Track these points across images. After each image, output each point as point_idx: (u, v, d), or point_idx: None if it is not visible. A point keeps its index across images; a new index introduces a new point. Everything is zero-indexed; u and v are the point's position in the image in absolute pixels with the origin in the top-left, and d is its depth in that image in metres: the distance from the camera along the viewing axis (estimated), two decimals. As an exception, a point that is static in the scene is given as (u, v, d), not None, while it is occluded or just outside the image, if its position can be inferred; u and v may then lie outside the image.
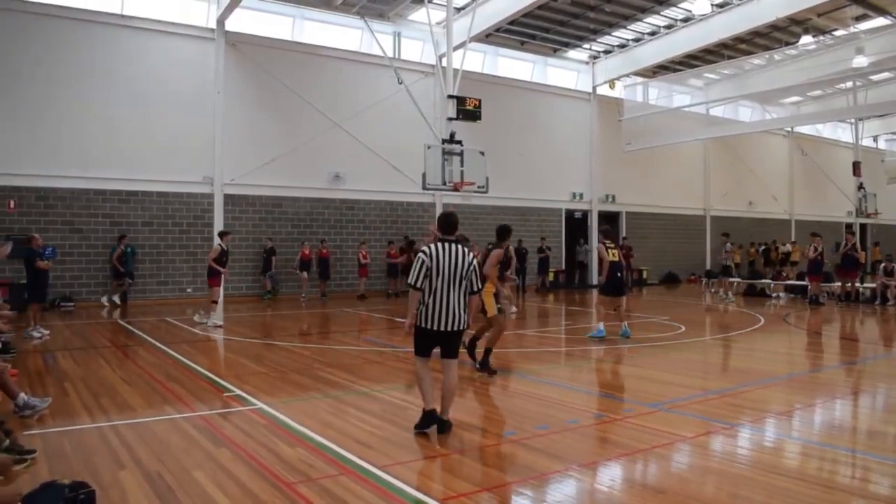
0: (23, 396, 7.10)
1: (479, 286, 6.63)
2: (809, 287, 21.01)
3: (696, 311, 19.42)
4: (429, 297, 6.44)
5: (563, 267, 28.88)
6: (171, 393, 8.41)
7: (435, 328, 6.43)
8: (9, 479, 5.14)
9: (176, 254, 20.90)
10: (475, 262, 6.55)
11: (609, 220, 31.34)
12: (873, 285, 21.92)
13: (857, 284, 21.71)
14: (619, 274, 13.23)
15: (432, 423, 6.48)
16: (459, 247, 6.52)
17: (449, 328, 6.44)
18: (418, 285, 6.45)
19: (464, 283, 6.49)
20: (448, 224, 6.70)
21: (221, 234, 15.84)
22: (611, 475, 5.54)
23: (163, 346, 12.12)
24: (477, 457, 5.85)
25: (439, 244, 6.52)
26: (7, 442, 5.62)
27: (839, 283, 21.39)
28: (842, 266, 20.94)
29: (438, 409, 6.57)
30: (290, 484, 5.18)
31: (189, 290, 21.04)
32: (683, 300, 22.51)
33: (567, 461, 5.73)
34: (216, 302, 15.59)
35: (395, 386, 8.56)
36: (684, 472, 5.59)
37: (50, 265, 14.13)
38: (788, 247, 31.37)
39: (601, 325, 12.97)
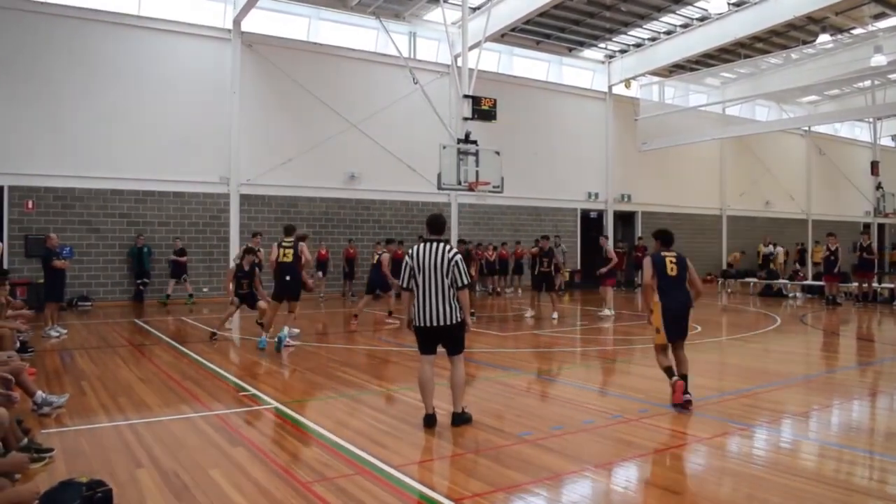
0: (40, 394, 7.17)
1: (465, 281, 6.75)
2: (826, 287, 20.84)
3: (713, 312, 19.30)
4: (417, 295, 6.79)
5: (579, 267, 28.80)
6: (187, 392, 8.45)
7: (424, 324, 6.75)
8: (27, 477, 5.18)
9: (192, 253, 21.00)
10: (457, 258, 6.71)
11: (625, 220, 31.31)
12: (891, 285, 21.72)
13: (875, 285, 21.52)
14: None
15: (433, 425, 6.71)
16: (441, 245, 6.77)
17: (436, 323, 6.70)
18: (406, 286, 6.89)
19: (447, 279, 6.68)
20: (434, 225, 7.05)
21: (388, 241, 16.17)
22: (626, 476, 5.53)
23: (179, 346, 12.20)
24: (492, 457, 5.84)
25: (423, 244, 6.85)
26: (25, 440, 5.67)
27: (856, 284, 21.22)
28: (859, 266, 20.78)
29: (442, 410, 6.83)
30: (305, 483, 5.19)
31: (205, 289, 21.16)
32: (699, 300, 22.38)
33: (582, 462, 5.72)
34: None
35: (411, 385, 8.54)
36: (700, 473, 5.57)
37: (67, 265, 14.24)
38: (772, 248, 31.10)
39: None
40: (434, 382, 6.89)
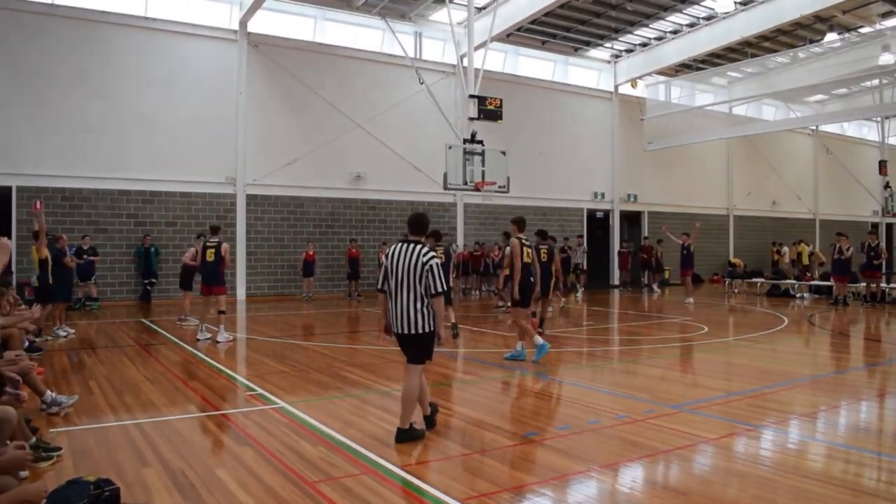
0: (50, 394, 7.20)
1: (440, 288, 6.17)
2: (834, 288, 20.77)
3: (719, 312, 19.27)
4: (389, 299, 6.38)
5: (585, 267, 28.72)
6: (194, 391, 8.48)
7: (395, 331, 6.36)
8: (35, 475, 5.21)
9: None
10: (432, 262, 6.18)
11: (631, 220, 31.24)
12: (900, 285, 21.64)
13: (883, 285, 21.44)
14: (531, 279, 10.89)
15: (433, 423, 6.56)
16: (417, 247, 6.26)
17: (404, 331, 6.26)
18: (381, 288, 6.48)
19: (419, 285, 6.18)
20: (415, 225, 6.49)
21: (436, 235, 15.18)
22: (632, 476, 5.51)
23: (186, 345, 12.23)
24: (498, 457, 5.84)
25: (400, 245, 6.38)
26: (33, 439, 5.69)
27: (864, 284, 21.13)
28: (867, 266, 20.69)
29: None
30: (311, 483, 5.20)
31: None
32: (706, 300, 22.34)
33: (588, 462, 5.71)
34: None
35: (416, 385, 8.55)
36: (707, 474, 5.55)
37: (74, 262, 14.27)
38: (786, 249, 31.22)
39: (520, 346, 10.75)
40: (426, 388, 6.64)
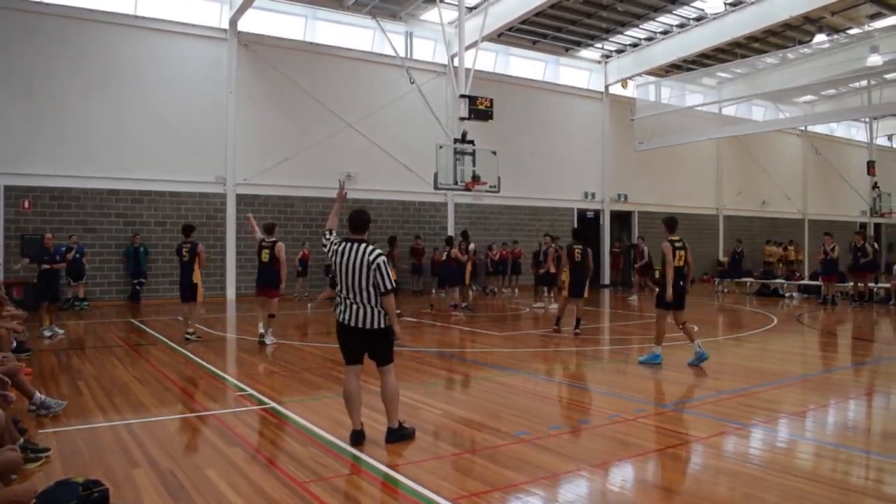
0: (39, 396, 7.14)
1: (389, 285, 6.13)
2: (823, 287, 20.86)
3: (709, 311, 19.33)
4: (338, 296, 6.32)
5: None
6: (183, 392, 8.45)
7: (345, 322, 6.21)
8: (24, 476, 5.17)
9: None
10: (379, 260, 6.11)
11: (621, 220, 31.26)
12: (888, 285, 21.75)
13: (871, 284, 21.55)
14: (681, 282, 10.40)
15: (361, 442, 6.19)
16: (363, 246, 6.19)
17: (359, 325, 6.15)
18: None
19: (369, 284, 6.11)
20: (357, 222, 6.42)
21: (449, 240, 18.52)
22: (623, 475, 5.53)
23: (175, 346, 12.17)
24: (489, 456, 5.84)
25: (345, 244, 6.29)
26: (21, 440, 5.65)
27: (852, 284, 21.24)
28: (854, 266, 20.79)
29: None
30: (301, 483, 5.19)
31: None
32: (696, 300, 22.40)
33: (579, 461, 5.72)
34: None
35: (407, 385, 8.53)
36: (697, 473, 5.57)
37: (64, 263, 14.18)
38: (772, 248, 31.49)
39: (658, 350, 10.52)
40: (361, 396, 6.41)
